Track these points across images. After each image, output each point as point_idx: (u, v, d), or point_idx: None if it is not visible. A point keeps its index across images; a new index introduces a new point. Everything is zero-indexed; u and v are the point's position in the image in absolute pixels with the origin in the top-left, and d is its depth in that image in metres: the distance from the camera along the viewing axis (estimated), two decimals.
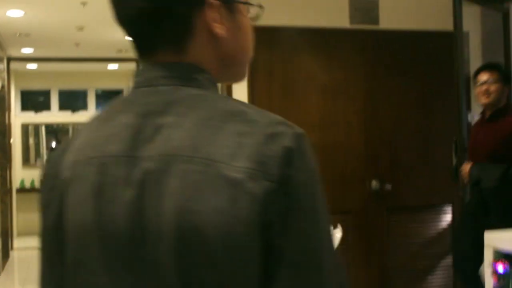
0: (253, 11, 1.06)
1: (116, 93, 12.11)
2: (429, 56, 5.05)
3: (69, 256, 0.97)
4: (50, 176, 1.01)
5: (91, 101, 11.90)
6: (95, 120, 1.03)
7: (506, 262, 2.84)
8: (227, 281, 0.87)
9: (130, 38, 1.03)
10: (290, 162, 0.88)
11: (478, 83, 4.19)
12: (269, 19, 4.69)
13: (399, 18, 4.98)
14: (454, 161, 4.87)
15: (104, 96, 12.39)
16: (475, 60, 5.07)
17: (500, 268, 2.84)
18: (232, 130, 0.90)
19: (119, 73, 11.51)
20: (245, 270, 0.87)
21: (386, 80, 4.95)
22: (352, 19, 4.87)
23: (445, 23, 5.01)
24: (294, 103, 4.76)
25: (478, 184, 4.09)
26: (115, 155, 0.94)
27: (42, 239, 1.04)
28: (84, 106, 11.90)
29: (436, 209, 5.11)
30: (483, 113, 4.26)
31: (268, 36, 4.67)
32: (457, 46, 4.55)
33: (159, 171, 0.90)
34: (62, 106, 11.76)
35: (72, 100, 12.06)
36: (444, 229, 5.10)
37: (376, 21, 4.92)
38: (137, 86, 1.00)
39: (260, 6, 1.07)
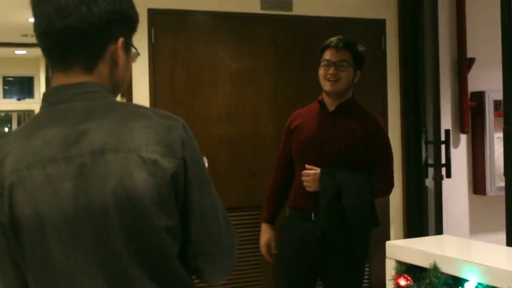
0: (135, 57, 1.43)
1: (26, 79, 11.47)
2: None
3: (25, 241, 1.23)
4: None
5: None
6: (22, 136, 1.29)
7: (408, 275, 2.58)
8: (156, 228, 1.24)
9: (47, 54, 1.34)
10: (184, 144, 1.28)
11: (324, 63, 3.15)
12: (173, 2, 4.36)
13: (314, 4, 4.69)
14: (424, 156, 4.65)
15: (13, 83, 11.72)
16: (391, 49, 4.86)
17: (402, 281, 2.59)
18: (140, 125, 1.26)
19: (28, 59, 10.87)
20: (167, 219, 1.25)
21: (300, 70, 4.64)
22: (263, 3, 4.55)
23: (363, 11, 4.80)
24: (199, 93, 4.41)
25: (337, 198, 2.97)
26: (51, 158, 1.23)
27: None
28: None
29: None
30: (322, 102, 3.21)
31: (172, 21, 4.32)
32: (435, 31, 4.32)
33: (92, 163, 1.23)
34: None
35: None
36: None
37: (289, 7, 4.62)
38: (53, 104, 1.31)
39: (139, 54, 1.45)
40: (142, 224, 1.23)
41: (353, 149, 3.09)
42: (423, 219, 4.79)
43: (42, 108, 1.33)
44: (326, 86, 3.13)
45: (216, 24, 4.49)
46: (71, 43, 1.29)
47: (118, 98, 1.45)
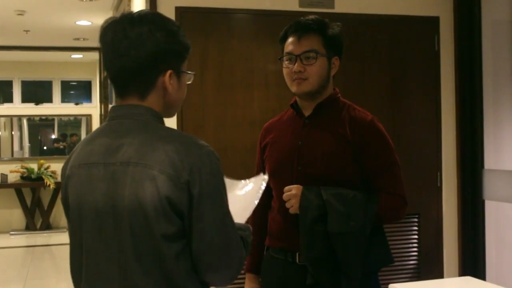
0: (190, 77, 1.76)
1: (88, 83, 11.46)
2: (393, 43, 4.37)
3: (71, 222, 1.68)
4: (63, 175, 1.72)
5: (56, 92, 11.21)
6: (86, 141, 1.71)
7: None
8: (155, 233, 1.53)
9: (112, 84, 1.72)
10: (193, 172, 1.54)
11: (286, 57, 2.42)
12: (204, 0, 4.07)
13: (358, 0, 4.29)
14: None
15: (75, 87, 11.72)
16: (445, 48, 4.40)
17: None
18: (162, 147, 1.56)
19: (85, 63, 10.85)
20: (167, 225, 1.53)
21: (342, 73, 4.21)
22: (302, 0, 4.19)
23: (414, 7, 4.38)
24: (232, 97, 4.09)
25: (321, 222, 2.28)
26: (95, 162, 1.62)
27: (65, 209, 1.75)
28: (49, 98, 11.22)
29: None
30: (295, 105, 2.51)
31: (203, 19, 4.01)
32: None
33: (120, 171, 1.57)
34: (25, 98, 11.09)
35: (37, 91, 11.39)
36: (411, 243, 4.43)
37: (330, 4, 4.24)
38: (111, 119, 1.69)
39: (194, 74, 1.78)
40: (145, 228, 1.53)
41: (342, 161, 2.34)
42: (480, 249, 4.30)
43: (106, 121, 1.71)
44: (293, 87, 2.41)
45: (250, 22, 4.16)
46: (126, 78, 1.65)
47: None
